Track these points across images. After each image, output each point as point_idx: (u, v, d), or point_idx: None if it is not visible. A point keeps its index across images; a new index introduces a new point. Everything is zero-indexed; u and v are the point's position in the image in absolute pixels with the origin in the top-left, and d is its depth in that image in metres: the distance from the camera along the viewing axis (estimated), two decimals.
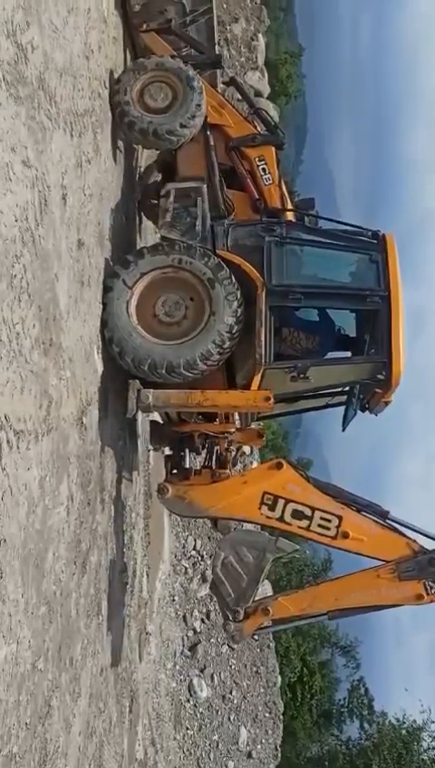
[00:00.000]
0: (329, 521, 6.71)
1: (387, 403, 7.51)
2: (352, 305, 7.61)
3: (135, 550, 9.68)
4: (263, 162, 8.09)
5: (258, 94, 22.35)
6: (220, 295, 7.06)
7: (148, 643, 11.38)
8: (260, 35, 22.87)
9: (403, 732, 30.50)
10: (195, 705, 14.79)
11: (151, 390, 7.01)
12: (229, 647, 16.60)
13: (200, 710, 14.95)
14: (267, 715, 18.41)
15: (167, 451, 8.31)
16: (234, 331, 7.11)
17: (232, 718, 16.34)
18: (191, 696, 14.76)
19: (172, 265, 7.20)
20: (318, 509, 6.75)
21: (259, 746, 17.68)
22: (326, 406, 8.37)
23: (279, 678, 20.89)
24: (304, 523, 6.75)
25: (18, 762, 4.14)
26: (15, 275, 4.19)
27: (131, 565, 9.15)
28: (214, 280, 7.10)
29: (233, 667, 16.92)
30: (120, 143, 8.13)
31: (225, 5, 20.80)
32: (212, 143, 8.04)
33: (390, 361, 7.07)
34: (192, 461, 7.75)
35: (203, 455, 8.00)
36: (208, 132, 8.10)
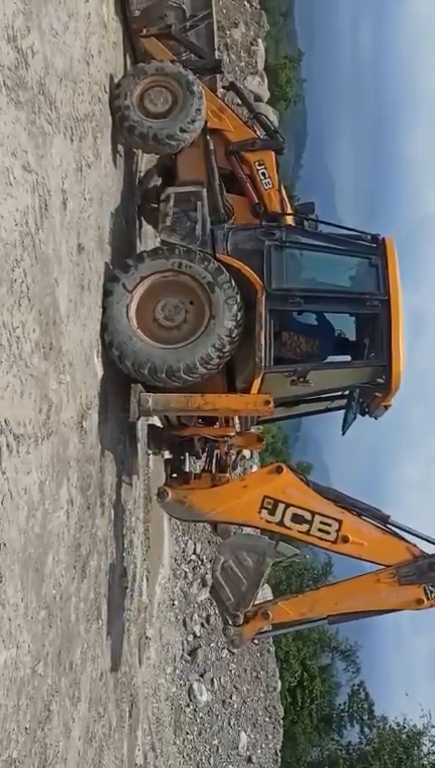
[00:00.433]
0: (329, 525, 6.70)
1: (387, 407, 7.51)
2: (351, 309, 7.62)
3: (135, 554, 9.67)
4: (262, 166, 8.11)
5: (258, 99, 22.41)
6: (220, 299, 7.07)
7: (147, 647, 11.36)
8: (260, 40, 22.95)
9: (404, 736, 30.43)
10: (195, 710, 14.75)
11: (151, 394, 7.01)
12: (229, 651, 16.53)
13: (200, 715, 14.91)
14: (267, 719, 18.36)
15: (167, 455, 8.31)
16: (234, 335, 7.11)
17: (232, 723, 16.30)
18: (191, 700, 14.72)
19: (172, 269, 7.21)
20: (318, 513, 6.74)
21: (259, 751, 17.63)
22: (326, 410, 8.37)
23: (279, 683, 20.84)
24: (304, 527, 6.74)
25: (18, 766, 4.13)
26: (16, 280, 4.19)
27: (131, 569, 9.14)
28: (214, 284, 7.10)
29: (233, 671, 16.88)
30: (121, 147, 8.16)
31: (224, 11, 20.87)
32: (212, 147, 8.06)
33: (390, 365, 7.07)
34: (192, 465, 7.75)
35: (203, 458, 8.00)
36: (208, 137, 8.12)
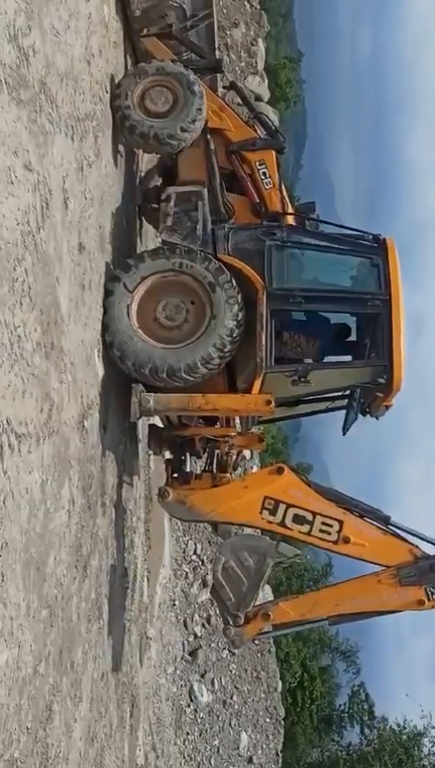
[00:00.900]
0: (330, 526, 6.70)
1: (388, 407, 7.51)
2: (353, 309, 7.61)
3: (135, 554, 9.65)
4: (263, 166, 8.11)
5: (258, 99, 22.40)
6: (221, 299, 7.07)
7: (148, 648, 11.35)
8: (260, 40, 22.95)
9: (404, 737, 30.40)
10: (196, 711, 14.74)
11: (152, 394, 7.01)
12: (230, 651, 16.53)
13: (201, 715, 14.89)
14: (268, 720, 18.34)
15: (167, 455, 8.30)
16: (235, 335, 7.11)
17: (233, 723, 16.28)
18: (192, 701, 14.71)
19: (173, 269, 7.21)
20: (319, 514, 6.74)
21: (260, 751, 17.61)
22: (327, 410, 8.36)
23: (280, 683, 20.82)
24: (306, 527, 6.73)
25: (20, 766, 4.12)
26: (17, 279, 4.19)
27: (132, 569, 9.13)
28: (215, 284, 7.10)
29: (234, 671, 16.87)
30: (121, 147, 8.15)
31: (225, 11, 20.88)
32: (213, 147, 8.05)
33: (391, 365, 7.07)
34: (193, 465, 7.74)
35: (204, 459, 7.99)
36: (209, 136, 8.11)
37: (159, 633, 12.84)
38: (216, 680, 15.80)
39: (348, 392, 7.77)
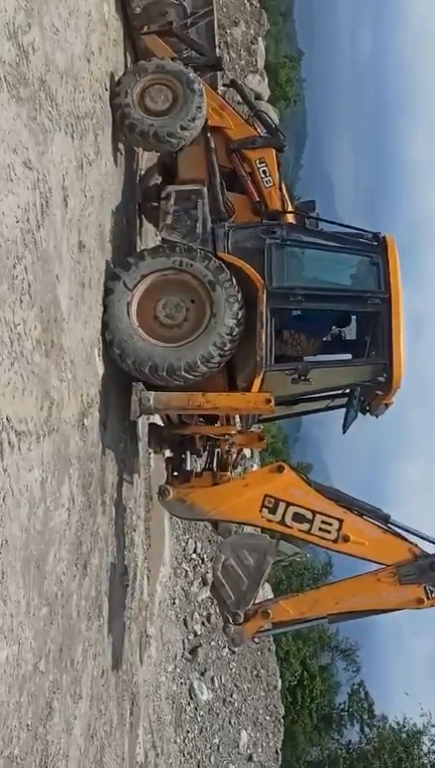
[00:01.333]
0: (330, 524, 6.70)
1: (388, 405, 7.51)
2: (352, 307, 7.62)
3: (136, 552, 9.66)
4: (263, 164, 8.10)
5: (258, 97, 22.40)
6: (221, 298, 7.07)
7: (148, 646, 11.36)
8: (260, 39, 22.95)
9: (404, 735, 30.45)
10: (195, 709, 14.75)
11: (153, 393, 7.01)
12: (230, 650, 16.54)
13: (201, 713, 14.91)
14: (268, 718, 18.36)
15: (168, 453, 8.30)
16: (235, 334, 7.11)
17: (233, 721, 16.30)
18: (192, 699, 14.72)
19: (173, 267, 7.21)
20: (319, 512, 6.75)
21: (260, 749, 17.63)
22: (327, 408, 8.37)
23: (280, 681, 20.83)
24: (305, 526, 6.74)
25: (19, 763, 4.12)
26: (17, 277, 4.19)
27: (132, 568, 9.13)
28: (215, 282, 7.10)
29: (233, 670, 16.88)
30: (121, 146, 8.14)
31: (225, 9, 20.86)
32: (213, 146, 8.04)
33: (390, 363, 7.07)
34: (193, 463, 7.74)
35: (204, 457, 7.99)
36: (209, 135, 8.11)
37: (159, 631, 12.85)
38: (216, 678, 15.82)
39: (348, 391, 7.78)
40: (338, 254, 7.53)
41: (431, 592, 6.58)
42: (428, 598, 6.57)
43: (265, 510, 6.80)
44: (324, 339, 8.05)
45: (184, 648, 14.98)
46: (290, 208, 8.32)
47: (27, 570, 4.30)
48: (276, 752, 19.01)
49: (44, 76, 4.86)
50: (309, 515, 6.73)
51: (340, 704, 33.58)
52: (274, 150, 8.30)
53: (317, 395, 7.90)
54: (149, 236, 10.34)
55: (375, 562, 6.73)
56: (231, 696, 16.45)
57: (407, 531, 6.79)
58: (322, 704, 31.15)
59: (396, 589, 6.53)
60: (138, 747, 9.71)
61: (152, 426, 8.75)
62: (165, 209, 7.63)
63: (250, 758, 17.05)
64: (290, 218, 8.07)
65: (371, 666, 38.68)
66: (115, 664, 7.66)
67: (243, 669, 17.41)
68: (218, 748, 15.36)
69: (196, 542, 16.31)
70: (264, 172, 8.10)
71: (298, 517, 6.75)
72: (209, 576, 15.45)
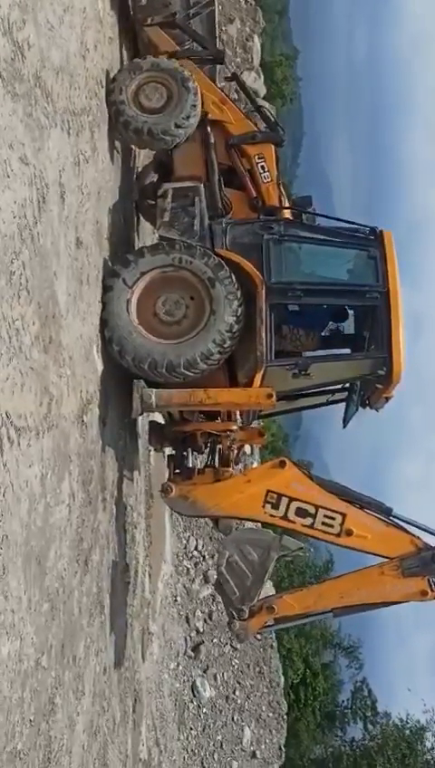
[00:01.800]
0: (333, 518, 6.72)
1: (388, 399, 7.52)
2: (351, 302, 7.63)
3: (137, 550, 9.67)
4: (262, 160, 8.09)
5: (255, 94, 22.34)
6: (220, 294, 7.08)
7: (150, 643, 11.37)
8: (255, 36, 22.94)
9: (407, 732, 30.44)
10: (198, 706, 14.75)
11: (154, 390, 7.02)
12: (232, 647, 16.55)
13: (204, 710, 14.91)
14: (271, 714, 18.34)
15: (169, 451, 8.30)
16: (234, 330, 7.12)
17: (236, 718, 16.29)
18: (195, 696, 14.72)
19: (172, 264, 7.22)
20: (322, 507, 6.76)
21: (263, 746, 17.62)
22: (327, 403, 8.37)
23: (282, 678, 20.82)
24: (308, 520, 6.75)
25: (23, 758, 4.13)
26: (14, 272, 4.19)
27: (133, 565, 9.14)
28: (214, 279, 7.11)
29: (236, 667, 16.88)
30: (118, 144, 8.14)
31: (220, 6, 20.81)
32: (212, 141, 8.03)
33: (390, 357, 7.09)
34: (195, 460, 7.74)
35: (205, 454, 8.00)
36: (209, 129, 8.09)
37: (161, 629, 12.86)
38: (218, 675, 15.83)
39: (348, 385, 7.79)
40: (336, 248, 7.55)
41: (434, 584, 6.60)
42: (431, 590, 6.59)
43: (267, 505, 6.82)
44: (323, 334, 8.05)
45: (186, 646, 14.98)
46: (287, 204, 8.31)
47: (28, 565, 4.30)
48: (280, 748, 19.00)
49: (40, 72, 4.86)
50: (312, 510, 6.74)
51: (343, 701, 33.58)
52: (272, 146, 8.29)
53: (318, 389, 7.90)
54: (147, 234, 10.34)
55: (378, 555, 6.75)
56: (234, 692, 16.45)
57: (409, 523, 6.81)
58: (325, 702, 31.14)
59: (400, 581, 6.54)
60: (141, 744, 9.71)
61: (153, 423, 8.75)
62: (162, 207, 7.63)
63: (253, 755, 17.04)
64: (287, 214, 8.07)
65: (373, 662, 38.68)
66: (117, 661, 7.67)
67: (245, 666, 17.41)
68: (222, 745, 15.35)
69: (197, 540, 16.31)
70: (262, 167, 8.08)
71: (301, 512, 6.76)
72: (211, 573, 15.46)
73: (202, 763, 14.42)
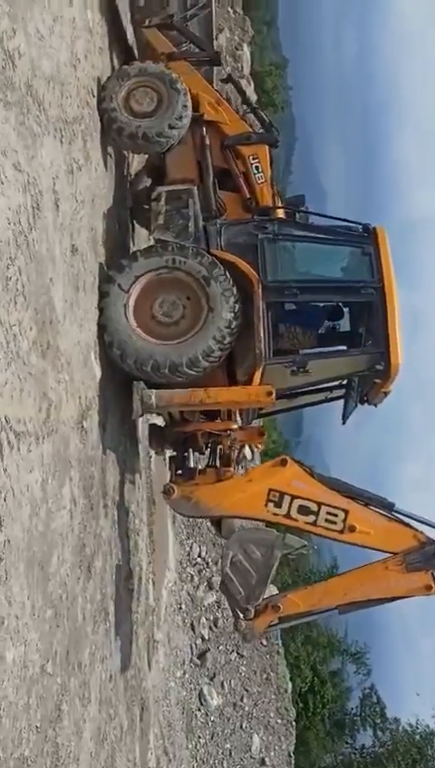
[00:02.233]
0: (335, 515, 6.71)
1: (386, 393, 7.54)
2: (346, 298, 7.68)
3: (140, 556, 9.64)
4: (256, 160, 8.17)
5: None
6: (217, 292, 7.13)
7: (156, 651, 11.31)
8: (245, 45, 23.13)
9: (417, 737, 30.30)
10: (206, 714, 14.65)
11: (154, 390, 7.04)
12: (239, 654, 16.48)
13: (212, 718, 14.80)
14: (280, 721, 18.22)
15: (170, 453, 8.31)
16: (233, 327, 7.16)
17: (244, 726, 16.17)
18: (202, 704, 14.62)
19: (166, 266, 7.26)
20: (324, 504, 6.75)
21: (272, 753, 17.48)
22: (326, 400, 8.40)
23: (290, 684, 20.70)
24: (311, 518, 6.75)
25: (30, 765, 4.11)
26: (11, 278, 4.21)
27: (137, 571, 9.11)
28: (209, 277, 7.16)
29: (243, 674, 16.77)
30: (111, 151, 8.18)
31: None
32: (208, 142, 8.09)
33: (387, 351, 7.12)
34: (196, 461, 7.74)
35: (206, 454, 8.00)
36: (204, 130, 8.15)
37: (166, 636, 12.80)
38: (225, 683, 15.72)
39: (346, 382, 7.81)
40: (330, 246, 7.60)
41: None
42: None
43: (270, 504, 6.81)
44: (320, 332, 8.09)
45: (192, 653, 14.90)
46: (281, 204, 8.36)
47: (31, 571, 4.29)
48: (289, 755, 18.86)
49: (31, 81, 4.90)
50: (314, 507, 6.74)
51: (352, 709, 33.39)
52: (267, 147, 8.36)
53: (316, 387, 7.93)
54: (142, 240, 10.36)
55: (381, 551, 6.74)
56: (241, 700, 16.33)
57: (412, 518, 6.80)
58: (334, 709, 30.97)
59: (404, 576, 6.53)
60: (149, 753, 9.65)
61: (153, 426, 8.76)
62: (156, 210, 7.67)
63: (263, 762, 16.90)
64: (281, 213, 8.12)
65: (380, 667, 38.42)
66: (123, 668, 7.63)
67: (252, 673, 17.30)
68: (231, 753, 15.23)
69: (200, 546, 16.25)
70: (256, 168, 8.15)
71: (303, 509, 6.76)
72: (215, 580, 15.40)
73: None
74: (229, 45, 22.21)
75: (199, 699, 14.54)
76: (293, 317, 7.84)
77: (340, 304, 8.01)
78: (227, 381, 7.54)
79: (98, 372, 6.69)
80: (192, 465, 7.52)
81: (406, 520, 6.79)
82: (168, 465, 8.08)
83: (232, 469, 7.47)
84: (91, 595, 6.05)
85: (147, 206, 8.28)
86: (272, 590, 8.40)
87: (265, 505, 6.81)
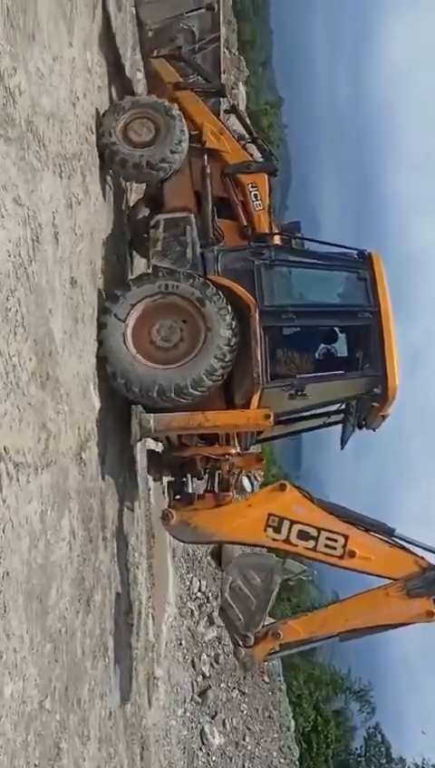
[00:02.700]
0: (335, 540, 6.63)
1: (384, 417, 7.54)
2: (343, 322, 7.74)
3: (139, 590, 9.51)
4: (255, 188, 8.33)
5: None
6: (212, 311, 7.20)
7: (156, 688, 11.09)
8: (240, 84, 23.65)
9: None
10: (208, 754, 14.27)
11: (152, 415, 7.04)
12: (240, 691, 16.16)
13: (213, 758, 14.41)
14: (283, 761, 17.75)
15: (168, 478, 8.25)
16: (232, 344, 7.23)
17: (247, 765, 15.75)
18: (204, 743, 14.26)
19: (160, 292, 7.35)
20: (324, 529, 6.68)
21: None
22: (324, 425, 8.40)
23: (292, 722, 20.26)
24: (311, 543, 6.67)
25: None
26: (10, 309, 4.24)
27: (136, 606, 8.98)
28: (203, 298, 7.26)
29: (245, 711, 16.41)
30: (110, 185, 8.32)
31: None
32: (209, 171, 8.23)
33: (385, 374, 7.15)
34: (194, 486, 7.69)
35: (205, 479, 7.96)
36: (206, 158, 8.31)
37: (166, 673, 12.55)
38: (227, 721, 15.37)
39: (344, 406, 7.82)
40: (326, 271, 7.69)
41: None
42: None
43: (269, 529, 6.74)
44: (317, 357, 8.13)
45: (193, 691, 14.59)
46: (277, 231, 8.49)
47: (30, 604, 4.24)
48: None
49: (31, 117, 5.00)
50: (314, 532, 6.67)
51: (356, 749, 32.63)
52: (266, 175, 8.52)
53: (314, 411, 7.93)
54: (140, 270, 10.46)
55: (382, 577, 6.64)
56: (243, 738, 15.95)
57: (412, 543, 6.71)
58: (338, 749, 30.25)
59: (405, 603, 6.42)
60: None
61: (151, 453, 8.74)
62: (154, 237, 7.79)
63: None
64: (277, 240, 8.23)
65: (384, 705, 37.69)
66: (123, 705, 7.47)
67: (254, 711, 16.93)
68: None
69: (200, 581, 16.05)
70: (255, 195, 8.31)
71: (303, 535, 6.68)
72: (216, 615, 15.17)
73: None
74: (226, 84, 22.71)
75: (201, 738, 14.19)
76: (289, 341, 7.90)
77: (334, 328, 8.07)
78: (225, 406, 7.54)
79: (97, 404, 6.69)
80: (191, 490, 7.48)
81: (407, 545, 6.71)
82: (166, 491, 8.02)
83: (231, 494, 7.42)
84: (91, 629, 5.95)
85: (145, 235, 8.39)
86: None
87: (265, 531, 6.73)
